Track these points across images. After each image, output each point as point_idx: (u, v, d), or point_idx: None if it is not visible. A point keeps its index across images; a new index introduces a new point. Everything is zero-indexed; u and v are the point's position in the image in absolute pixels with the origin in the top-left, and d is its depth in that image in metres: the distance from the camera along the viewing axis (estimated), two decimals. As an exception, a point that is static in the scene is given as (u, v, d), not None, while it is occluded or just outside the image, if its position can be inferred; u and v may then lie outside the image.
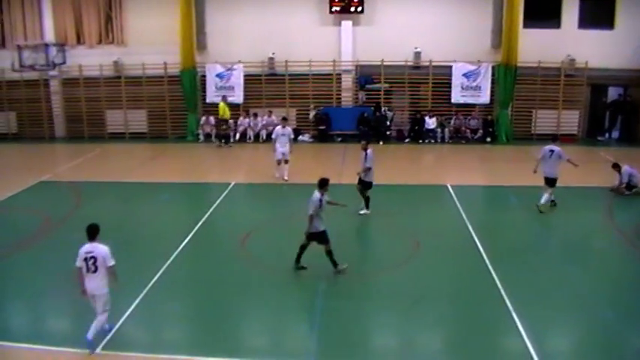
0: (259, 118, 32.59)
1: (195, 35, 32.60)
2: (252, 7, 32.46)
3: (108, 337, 11.44)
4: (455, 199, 20.99)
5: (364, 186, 19.17)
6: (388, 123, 32.26)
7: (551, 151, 19.59)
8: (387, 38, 31.93)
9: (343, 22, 32.38)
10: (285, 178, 23.24)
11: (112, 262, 11.28)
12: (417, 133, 32.19)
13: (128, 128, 34.16)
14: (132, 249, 16.32)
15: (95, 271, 11.26)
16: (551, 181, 19.63)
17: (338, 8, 31.88)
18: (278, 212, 20.21)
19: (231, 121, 32.01)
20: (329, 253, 14.39)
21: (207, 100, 33.41)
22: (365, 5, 31.79)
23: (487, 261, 15.23)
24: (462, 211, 19.59)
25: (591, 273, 15.00)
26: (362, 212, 19.28)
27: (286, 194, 22.32)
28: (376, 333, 12.32)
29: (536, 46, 31.07)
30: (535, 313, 12.46)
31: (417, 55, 32.26)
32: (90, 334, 11.14)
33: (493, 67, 31.84)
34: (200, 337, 11.93)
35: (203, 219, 18.90)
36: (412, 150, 30.82)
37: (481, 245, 16.34)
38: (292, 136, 23.81)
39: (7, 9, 33.51)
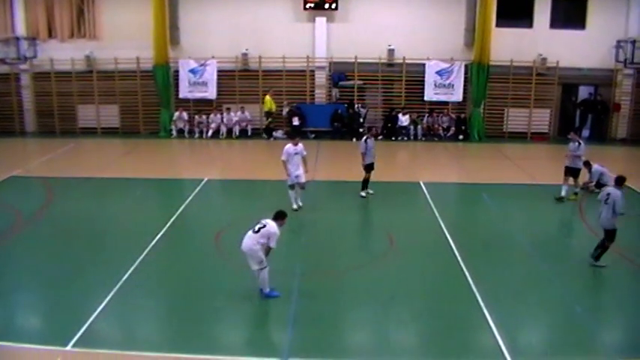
0: (232, 114, 32.52)
1: (169, 30, 32.37)
2: (226, 3, 32.43)
3: (79, 335, 11.31)
4: (427, 196, 21.10)
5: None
6: (361, 120, 32.29)
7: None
8: (360, 35, 32.05)
9: (317, 19, 32.39)
10: (300, 204, 19.45)
11: (273, 244, 12.68)
12: (390, 131, 32.28)
13: (100, 123, 33.87)
14: (104, 245, 16.34)
15: (256, 232, 12.66)
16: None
17: (312, 5, 31.88)
18: (252, 208, 19.91)
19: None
20: (605, 248, 14.86)
21: (181, 96, 33.26)
22: (339, 2, 31.85)
23: (459, 257, 15.32)
24: (434, 208, 19.69)
25: (561, 269, 15.10)
26: (368, 193, 21.11)
27: (260, 190, 22.28)
28: (350, 329, 12.33)
29: (509, 45, 31.41)
30: (506, 309, 12.59)
31: (391, 52, 32.39)
32: (264, 289, 12.90)
33: (466, 66, 32.08)
34: (172, 334, 11.88)
35: (176, 215, 18.80)
36: (385, 147, 30.78)
37: (453, 242, 16.44)
38: (305, 154, 19.53)
39: (-23, 2, 33.06)
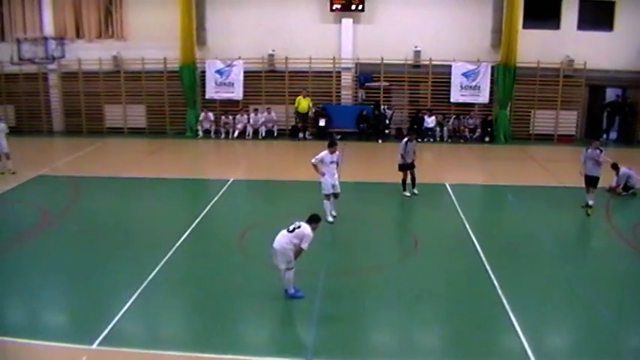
0: (259, 114, 32.58)
1: (195, 31, 32.53)
2: (253, 3, 32.44)
3: (104, 333, 11.39)
4: (453, 197, 21.02)
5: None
6: (387, 121, 32.28)
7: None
8: (387, 36, 31.96)
9: (344, 20, 32.36)
10: (334, 214, 18.18)
11: (305, 245, 12.65)
12: (416, 132, 32.08)
13: (127, 123, 34.11)
14: (130, 244, 16.43)
15: (290, 232, 12.74)
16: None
17: (339, 6, 31.86)
18: (276, 209, 20.09)
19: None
20: None
21: (207, 96, 33.38)
22: (366, 3, 31.81)
23: (484, 259, 15.22)
24: (459, 209, 19.60)
25: (588, 272, 15.04)
26: (414, 193, 21.31)
27: (286, 191, 22.32)
28: (374, 330, 12.30)
29: (536, 47, 31.14)
30: (531, 312, 12.49)
31: (417, 53, 32.28)
32: (289, 290, 12.90)
33: (492, 67, 31.85)
34: (197, 333, 11.92)
35: (202, 215, 18.87)
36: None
37: (478, 244, 16.34)
38: (339, 162, 18.51)
39: (6, 2, 33.42)
